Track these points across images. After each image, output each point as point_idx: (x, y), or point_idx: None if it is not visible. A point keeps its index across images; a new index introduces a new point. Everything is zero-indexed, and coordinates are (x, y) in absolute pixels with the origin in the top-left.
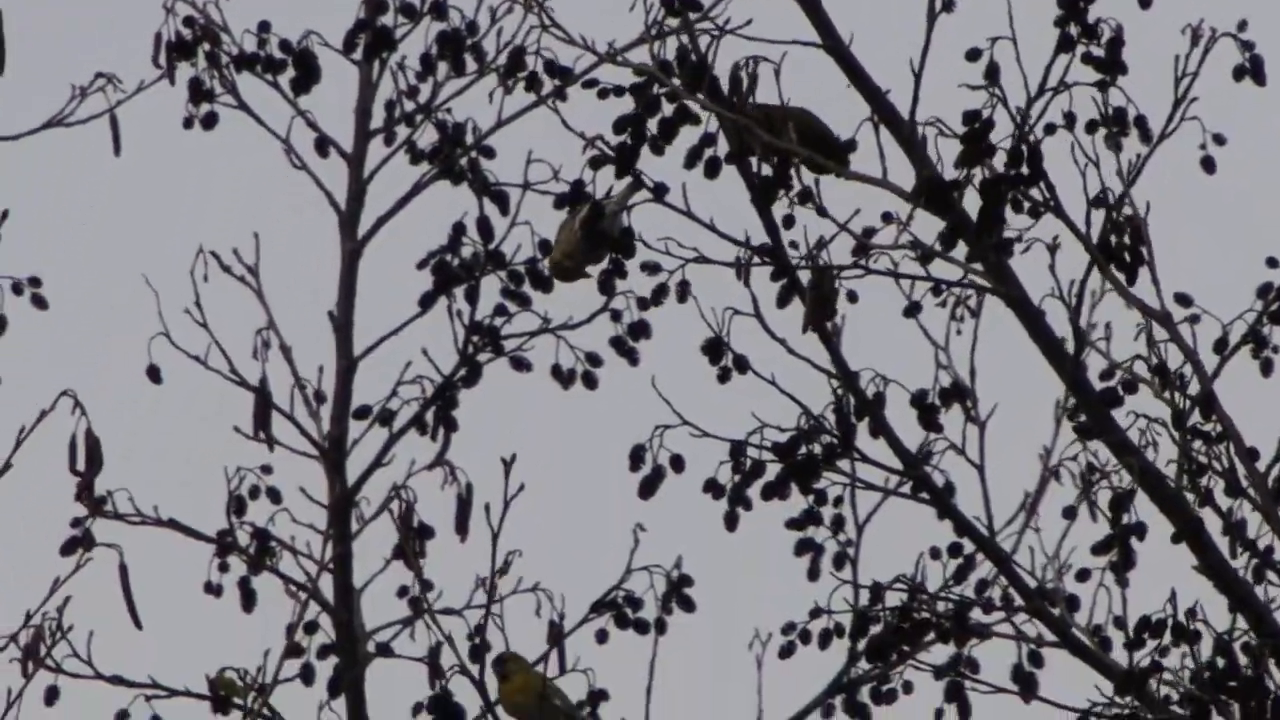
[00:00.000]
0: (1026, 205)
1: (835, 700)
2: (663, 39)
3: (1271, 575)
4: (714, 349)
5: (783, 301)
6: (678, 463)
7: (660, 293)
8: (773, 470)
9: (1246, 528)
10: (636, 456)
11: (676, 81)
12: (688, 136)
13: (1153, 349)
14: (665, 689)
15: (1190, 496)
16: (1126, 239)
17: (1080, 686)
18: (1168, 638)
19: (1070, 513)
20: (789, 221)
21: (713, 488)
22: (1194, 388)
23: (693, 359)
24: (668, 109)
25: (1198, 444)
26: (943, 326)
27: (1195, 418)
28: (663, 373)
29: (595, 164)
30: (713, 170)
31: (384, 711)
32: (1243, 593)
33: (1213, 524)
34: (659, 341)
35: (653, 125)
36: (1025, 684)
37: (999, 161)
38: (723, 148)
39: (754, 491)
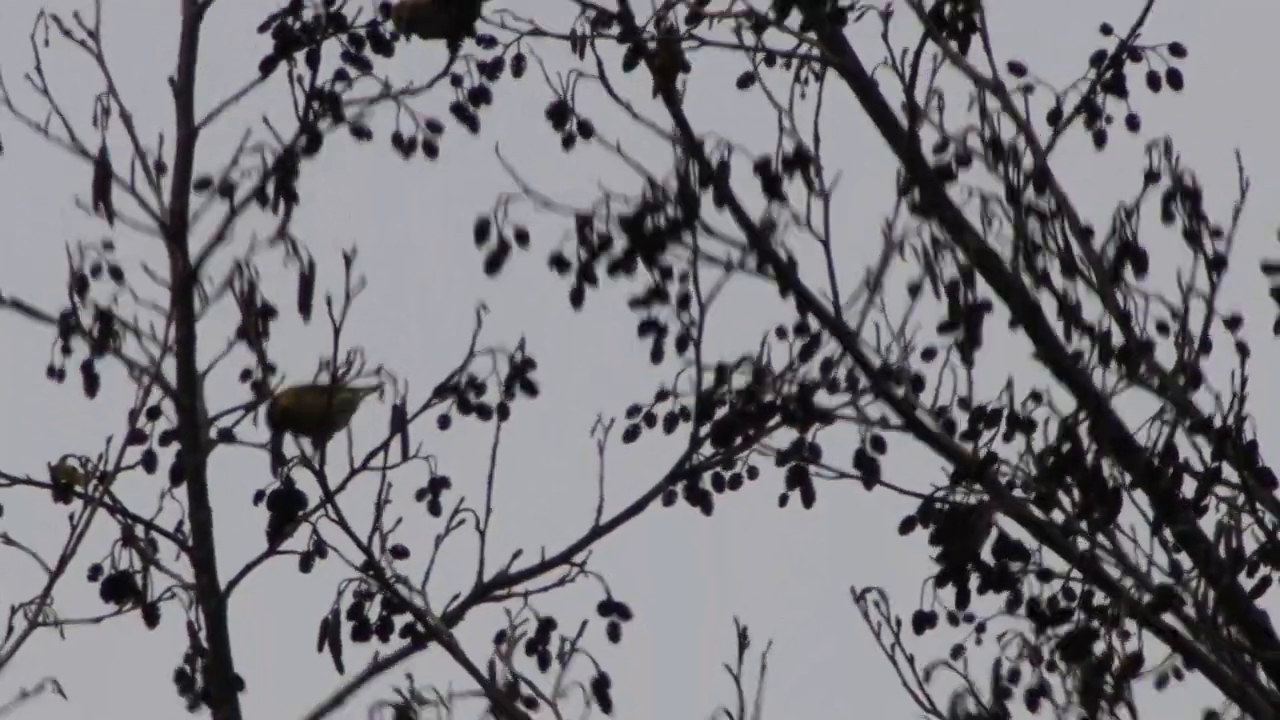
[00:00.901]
0: None
1: (677, 487)
2: None
3: (1111, 362)
4: (558, 113)
5: (628, 65)
6: (523, 237)
7: (496, 66)
8: (619, 245)
9: (1081, 310)
10: (481, 230)
11: None
12: None
13: (985, 120)
14: (507, 476)
15: (1027, 278)
16: (960, 6)
17: (925, 472)
18: (1005, 427)
19: (914, 290)
20: None
21: (558, 263)
22: (1029, 162)
23: (536, 128)
24: None
25: (1032, 221)
26: (787, 92)
27: (1030, 193)
28: (506, 142)
29: None
30: None
31: (225, 499)
32: (1080, 380)
33: (1051, 307)
34: (503, 111)
35: None
36: (867, 469)
37: None
38: None
39: (600, 268)
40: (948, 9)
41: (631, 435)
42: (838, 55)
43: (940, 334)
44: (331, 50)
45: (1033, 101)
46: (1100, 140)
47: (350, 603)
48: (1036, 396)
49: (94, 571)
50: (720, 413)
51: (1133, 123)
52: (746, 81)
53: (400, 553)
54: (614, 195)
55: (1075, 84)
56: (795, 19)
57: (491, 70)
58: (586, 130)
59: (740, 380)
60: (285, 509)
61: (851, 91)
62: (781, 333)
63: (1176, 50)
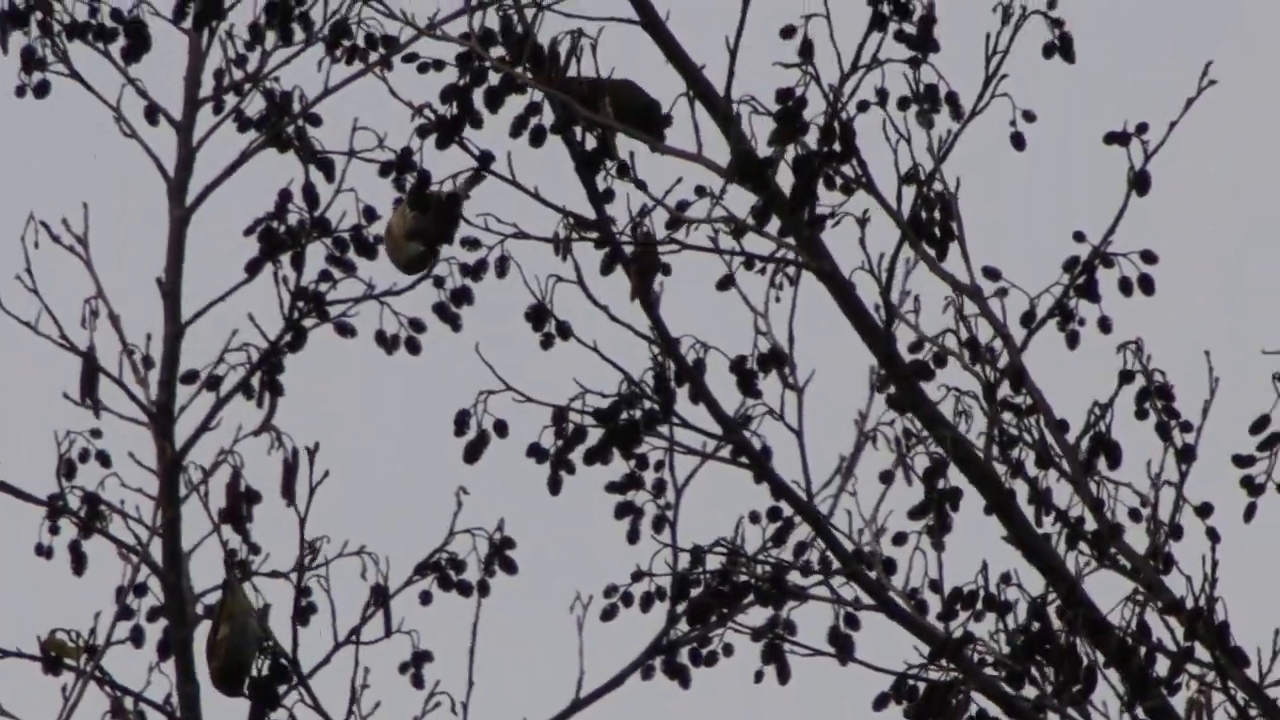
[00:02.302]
0: (839, 182)
1: (655, 662)
2: (484, 9)
3: (1083, 545)
4: (537, 315)
5: (606, 270)
6: (501, 428)
7: (480, 267)
8: (595, 435)
9: (1052, 495)
10: (461, 422)
11: (500, 51)
12: (514, 106)
13: (962, 322)
14: (488, 650)
15: (1001, 468)
16: (937, 215)
17: (898, 649)
18: (980, 607)
19: (886, 477)
20: (608, 195)
21: (536, 452)
22: (1004, 361)
23: (516, 326)
24: (494, 79)
25: (1008, 416)
26: (762, 294)
27: (1006, 390)
28: (486, 340)
29: (422, 132)
30: (538, 139)
31: None
32: (1053, 562)
33: (1025, 494)
34: (483, 308)
35: (479, 96)
36: (842, 646)
37: (812, 139)
38: (548, 117)
39: (577, 456)
40: (924, 216)
41: (609, 614)
42: (816, 259)
43: (911, 519)
44: (316, 252)
45: (1007, 304)
46: (1073, 341)
47: None
48: (1006, 578)
49: None
50: (695, 592)
51: (1105, 325)
52: (725, 284)
53: None
54: (591, 391)
55: (1049, 288)
56: (774, 225)
57: (475, 271)
58: (565, 331)
59: (714, 562)
60: (265, 695)
61: (828, 293)
62: (755, 517)
63: (1148, 257)
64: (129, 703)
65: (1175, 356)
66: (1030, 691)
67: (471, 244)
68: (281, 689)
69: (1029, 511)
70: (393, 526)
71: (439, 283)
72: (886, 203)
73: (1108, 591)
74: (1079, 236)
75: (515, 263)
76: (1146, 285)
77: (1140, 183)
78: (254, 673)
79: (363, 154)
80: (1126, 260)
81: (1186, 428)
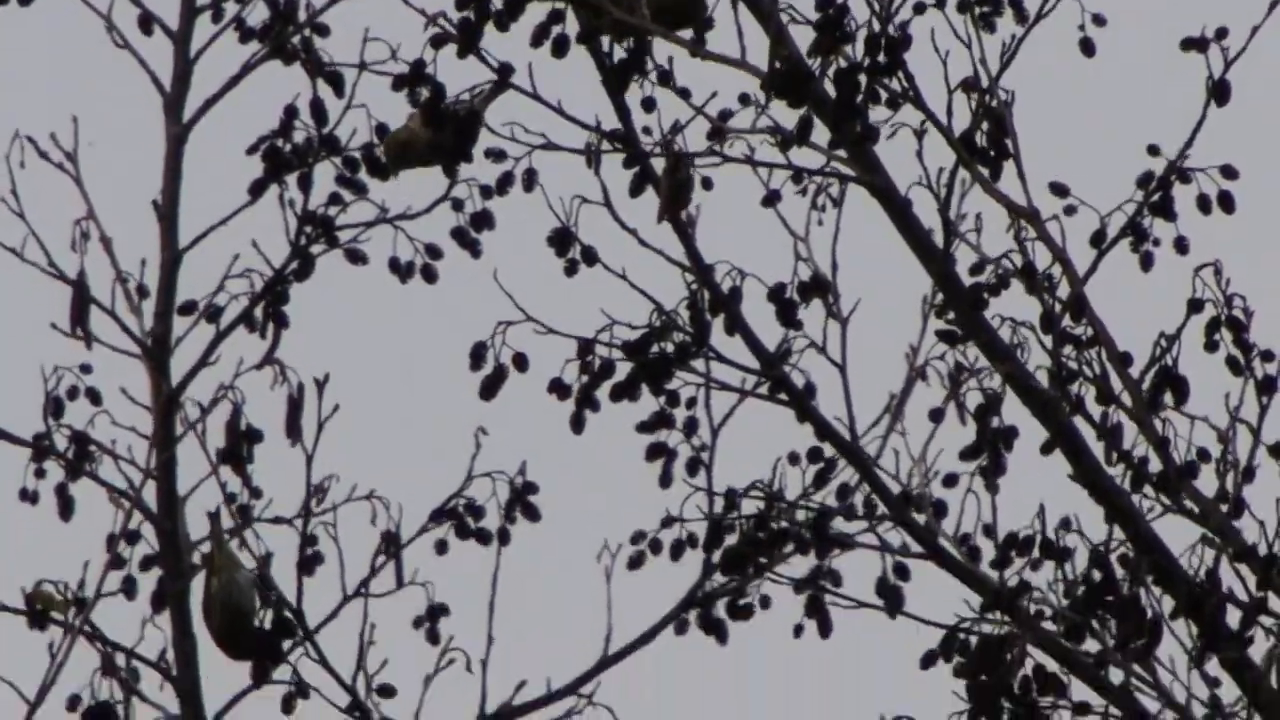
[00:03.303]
0: (885, 96)
1: (689, 615)
2: None
3: (1148, 487)
4: (561, 240)
5: (635, 190)
6: (521, 361)
7: (505, 181)
8: (622, 370)
9: (1122, 435)
10: (477, 355)
11: None
12: (535, 14)
13: (1020, 247)
14: (508, 603)
15: (1063, 404)
16: (992, 129)
17: (948, 598)
18: (1036, 554)
19: (937, 415)
20: (649, 104)
21: (558, 388)
22: (1065, 288)
23: (539, 251)
24: None
25: (1068, 348)
26: (803, 216)
27: (1066, 320)
28: (507, 266)
29: (436, 43)
30: (560, 49)
31: None
32: (1120, 504)
33: (1087, 433)
34: (503, 233)
35: (498, 1)
36: (890, 598)
37: (858, 48)
38: (572, 26)
39: (602, 393)
40: (979, 135)
41: (636, 562)
42: (869, 173)
43: (963, 460)
44: (324, 172)
45: (1075, 224)
46: (1147, 264)
47: None
48: (1066, 524)
49: (73, 702)
50: (730, 539)
51: (1181, 245)
52: (770, 200)
53: (387, 692)
54: (619, 322)
55: (1121, 206)
56: (823, 139)
57: (502, 185)
58: (591, 257)
59: (751, 506)
60: (269, 649)
61: (873, 214)
62: (795, 459)
63: (1228, 172)
64: (120, 659)
65: (1258, 280)
66: (1091, 646)
67: (497, 155)
68: (286, 644)
69: (1097, 449)
70: (406, 470)
71: (457, 206)
72: (936, 119)
73: (1175, 538)
74: (1153, 150)
75: (539, 184)
76: (1226, 203)
77: (1220, 92)
78: (256, 626)
79: (374, 66)
80: (1205, 176)
81: (1267, 357)
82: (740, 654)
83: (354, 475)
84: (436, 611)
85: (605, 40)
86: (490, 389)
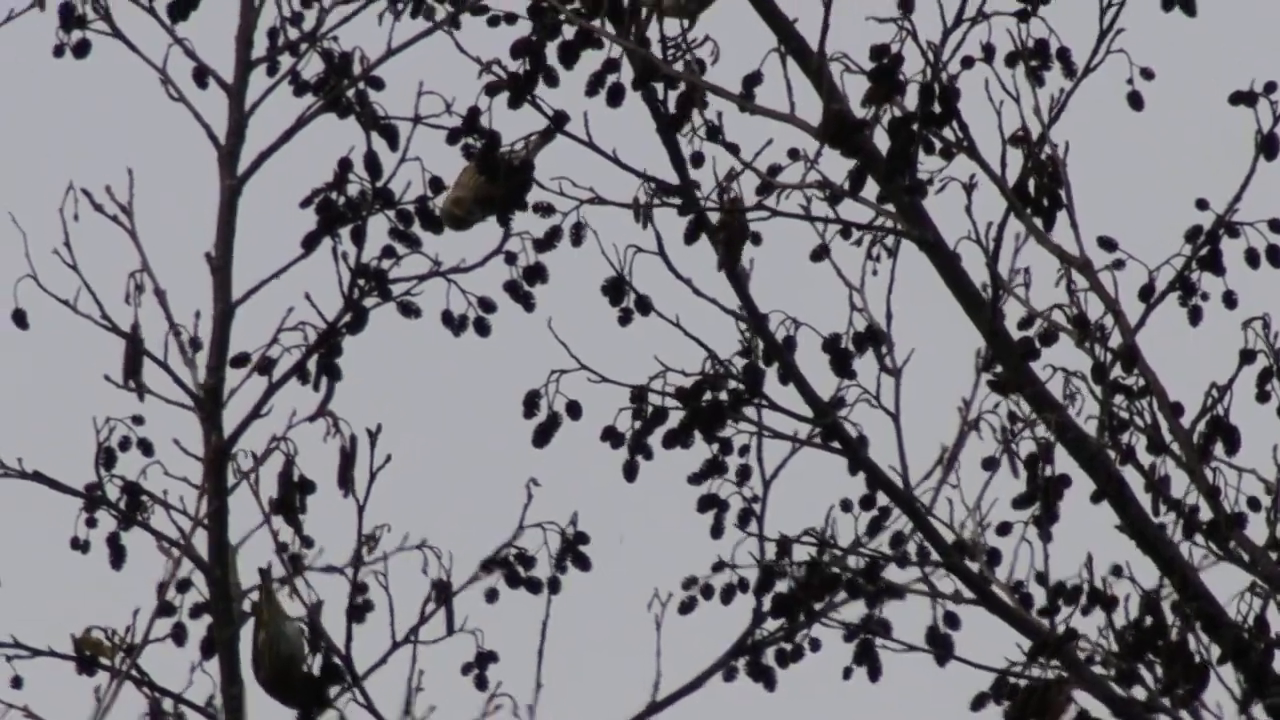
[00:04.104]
0: (938, 146)
1: (738, 663)
2: None
3: (1198, 536)
4: (615, 289)
5: (690, 238)
6: (574, 409)
7: (554, 235)
8: (675, 417)
9: (1170, 485)
10: (531, 403)
11: (575, 4)
12: (589, 63)
13: (1073, 298)
14: (558, 651)
15: (1112, 453)
16: (1044, 181)
17: (999, 643)
18: (1085, 602)
19: (990, 464)
20: (697, 159)
21: (611, 435)
22: (1116, 338)
23: (592, 301)
24: (568, 33)
25: (1119, 398)
26: (858, 267)
27: (1117, 370)
28: (560, 316)
29: (491, 90)
30: (615, 98)
31: None
32: (1167, 553)
33: (1136, 481)
34: (557, 282)
35: (552, 51)
36: (941, 646)
37: (911, 99)
38: (627, 74)
39: (655, 440)
40: (1032, 184)
41: (688, 607)
42: (917, 227)
43: (1016, 509)
44: (378, 225)
45: (1123, 277)
46: (1195, 317)
47: None
48: (1118, 570)
49: None
50: (782, 586)
51: (1229, 300)
52: (820, 254)
53: None
54: (672, 370)
55: (1169, 260)
56: (872, 192)
57: (549, 239)
58: (645, 306)
59: (802, 553)
60: (317, 692)
61: (929, 264)
62: (847, 505)
63: (1277, 226)
64: (168, 704)
65: None
66: (1140, 691)
67: (545, 210)
68: (334, 690)
69: (1144, 500)
70: (458, 519)
71: (510, 259)
72: (990, 168)
73: (1224, 585)
74: (1202, 204)
75: (592, 231)
76: (1275, 256)
77: (1269, 146)
78: (304, 672)
79: (428, 119)
80: (1253, 229)
81: None
82: (788, 699)
83: (405, 524)
84: (485, 658)
85: (660, 87)
86: (543, 436)
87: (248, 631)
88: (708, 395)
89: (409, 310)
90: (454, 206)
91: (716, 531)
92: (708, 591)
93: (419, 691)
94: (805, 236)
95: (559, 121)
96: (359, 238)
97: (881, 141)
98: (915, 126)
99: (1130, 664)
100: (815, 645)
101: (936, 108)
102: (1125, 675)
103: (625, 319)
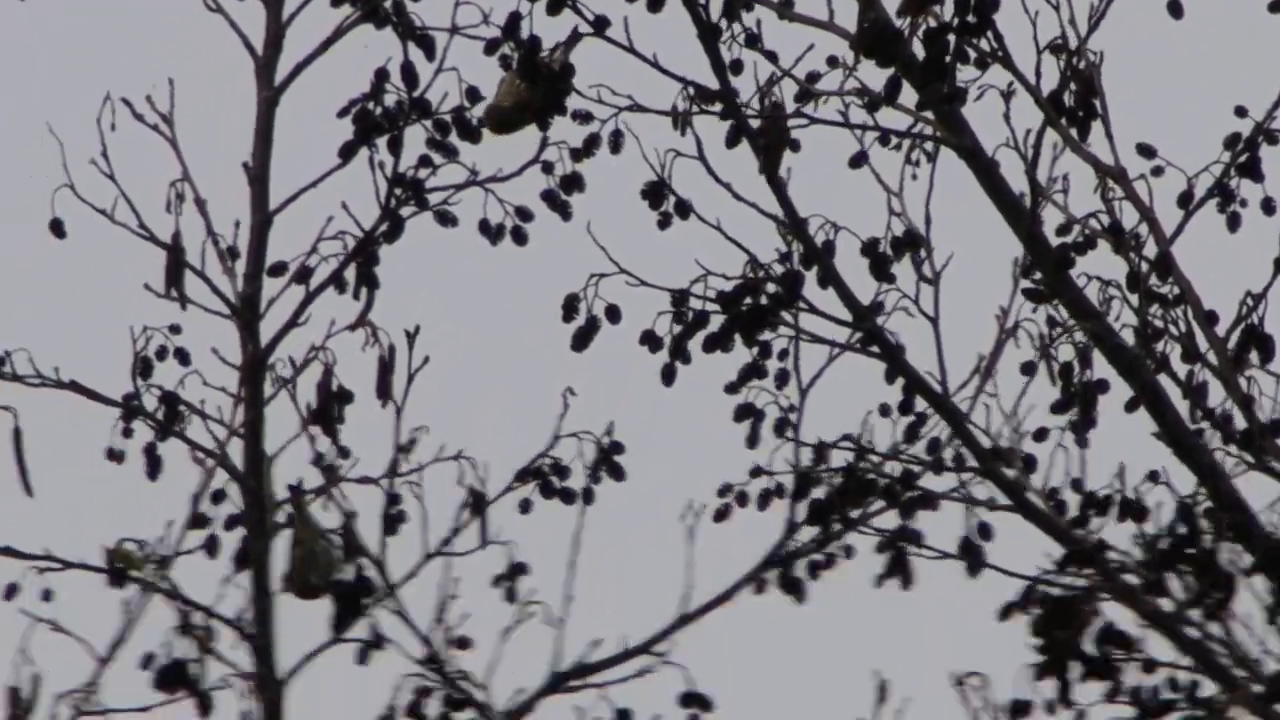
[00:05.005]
0: (974, 56)
1: (768, 575)
2: None
3: (1231, 444)
4: (655, 193)
5: (731, 143)
6: (613, 313)
7: (592, 143)
8: (716, 322)
9: (1207, 392)
10: (570, 307)
11: None
12: None
13: (1109, 206)
14: (590, 562)
15: (1148, 361)
16: (1080, 90)
17: (1032, 551)
18: (1115, 514)
19: (1028, 369)
20: (736, 66)
21: (650, 340)
22: (1152, 247)
23: (631, 207)
24: None
25: (1154, 307)
26: (896, 172)
27: (1153, 279)
28: (599, 221)
29: None
30: (657, 3)
31: None
32: (1203, 461)
33: (1173, 390)
34: (596, 187)
35: None
36: (973, 557)
37: (947, 8)
38: None
39: (695, 345)
40: (1067, 95)
41: (722, 515)
42: (955, 134)
43: (1053, 414)
44: (415, 135)
45: (1162, 184)
46: (1234, 224)
47: (408, 699)
48: (1154, 476)
49: (146, 660)
50: (818, 492)
51: (1269, 206)
52: (859, 161)
53: (463, 644)
54: (713, 274)
55: (1208, 167)
56: (910, 99)
57: (588, 148)
58: (684, 210)
59: (839, 459)
60: (351, 601)
61: (967, 173)
62: (885, 410)
63: None
64: (198, 618)
65: None
66: (1168, 602)
67: (584, 117)
68: (368, 600)
69: (1180, 408)
70: (494, 430)
71: (548, 168)
72: (1025, 79)
73: (1256, 495)
74: (1241, 111)
75: (633, 135)
76: None
77: None
78: (338, 582)
79: (466, 30)
80: None
81: None
82: (819, 609)
83: (442, 435)
84: (516, 570)
85: None
86: (583, 340)
87: (280, 544)
88: (748, 299)
89: (446, 219)
90: (498, 109)
91: (752, 441)
92: (743, 499)
93: (453, 599)
94: (844, 143)
95: (600, 26)
96: (396, 147)
97: (918, 51)
98: (951, 36)
99: (1160, 574)
100: (849, 553)
101: (972, 18)
102: (1154, 585)
103: (665, 223)
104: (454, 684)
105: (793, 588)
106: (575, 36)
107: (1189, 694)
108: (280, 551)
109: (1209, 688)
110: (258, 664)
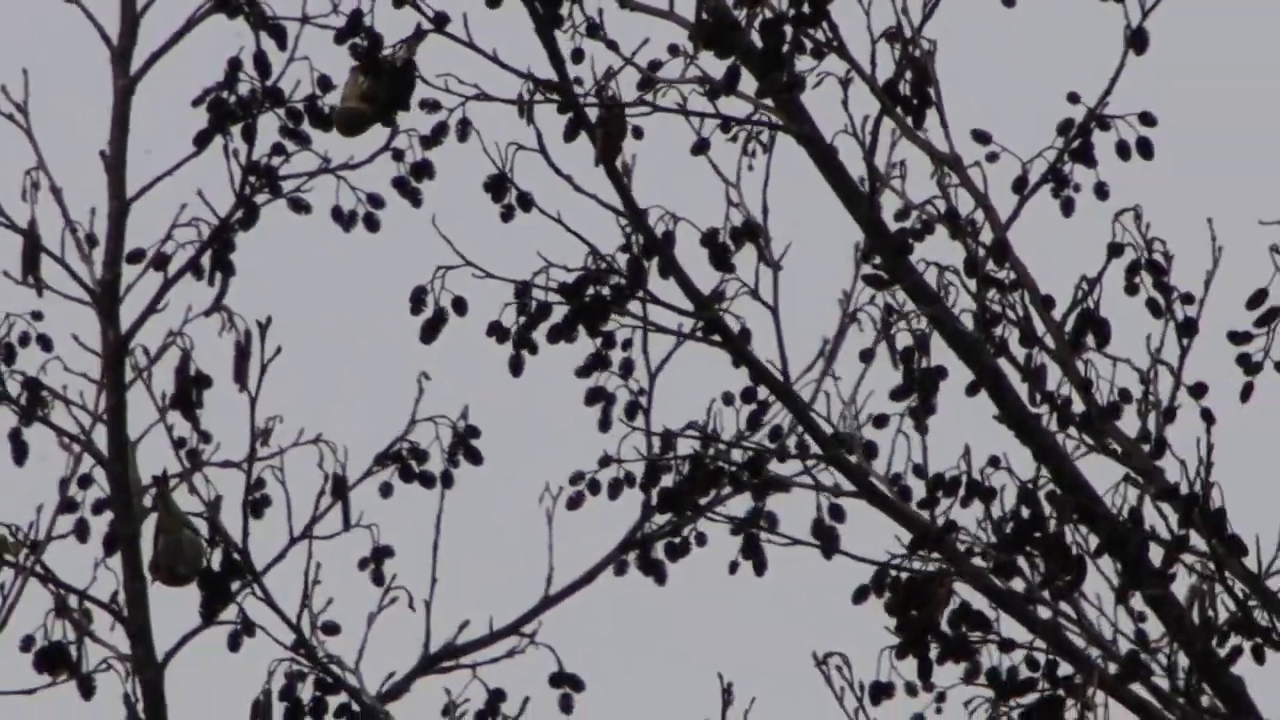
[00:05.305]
0: (810, 45)
1: (628, 557)
2: None
3: (1072, 428)
4: (497, 186)
5: (569, 136)
6: (460, 305)
7: (440, 131)
8: (559, 312)
9: (1046, 375)
10: (417, 299)
11: None
12: None
13: (945, 193)
14: (452, 545)
15: (987, 346)
16: (914, 78)
17: (880, 536)
18: (963, 494)
19: (867, 355)
20: (578, 55)
21: (497, 330)
22: (989, 233)
23: (477, 199)
24: None
25: (992, 292)
26: (734, 163)
27: (990, 264)
28: (446, 213)
29: None
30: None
31: None
32: (1045, 443)
33: (1013, 375)
34: (444, 181)
35: None
36: (826, 539)
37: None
38: None
39: (540, 335)
40: (902, 84)
41: (576, 502)
42: (795, 122)
43: (894, 401)
44: (268, 124)
45: (997, 170)
46: (1068, 209)
47: (282, 684)
48: (995, 461)
49: (26, 642)
50: (668, 479)
51: (1101, 191)
52: (700, 148)
53: (331, 629)
54: (555, 265)
55: (1041, 152)
56: (750, 88)
57: (435, 136)
58: (526, 202)
59: (687, 447)
60: (218, 588)
61: (806, 160)
62: (729, 399)
63: (1147, 119)
64: (73, 601)
65: (1176, 226)
66: (1019, 583)
67: (431, 106)
68: (234, 585)
69: (1021, 390)
70: (351, 414)
71: (398, 156)
72: (860, 67)
73: (1098, 477)
74: (1073, 98)
75: (475, 130)
76: (1145, 149)
77: (1138, 41)
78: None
79: (316, 20)
80: (1124, 123)
81: (1188, 300)
82: (678, 592)
83: (300, 420)
84: (381, 553)
85: None
86: (430, 332)
87: (149, 527)
88: (590, 290)
89: (299, 206)
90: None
91: (604, 424)
92: (595, 487)
93: (318, 584)
94: (682, 135)
95: (440, 22)
96: (250, 136)
97: (757, 40)
98: (788, 27)
99: (1009, 556)
100: (702, 540)
101: (807, 8)
102: (1004, 567)
103: (508, 215)
104: (325, 668)
105: (652, 569)
106: (419, 34)
107: (1047, 674)
108: (149, 536)
109: (1067, 668)
110: (135, 647)
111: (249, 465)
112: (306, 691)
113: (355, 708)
